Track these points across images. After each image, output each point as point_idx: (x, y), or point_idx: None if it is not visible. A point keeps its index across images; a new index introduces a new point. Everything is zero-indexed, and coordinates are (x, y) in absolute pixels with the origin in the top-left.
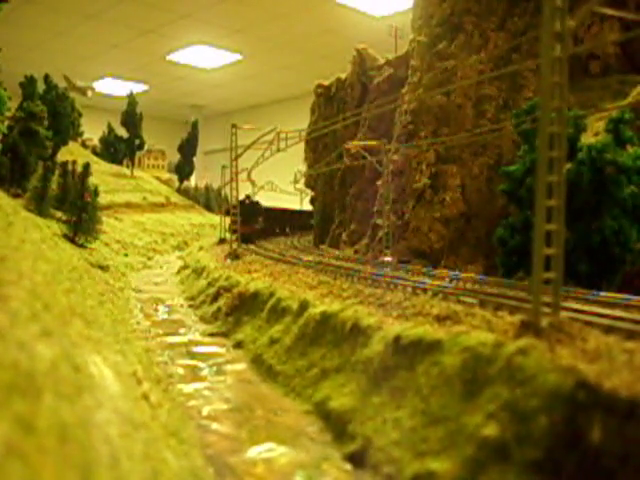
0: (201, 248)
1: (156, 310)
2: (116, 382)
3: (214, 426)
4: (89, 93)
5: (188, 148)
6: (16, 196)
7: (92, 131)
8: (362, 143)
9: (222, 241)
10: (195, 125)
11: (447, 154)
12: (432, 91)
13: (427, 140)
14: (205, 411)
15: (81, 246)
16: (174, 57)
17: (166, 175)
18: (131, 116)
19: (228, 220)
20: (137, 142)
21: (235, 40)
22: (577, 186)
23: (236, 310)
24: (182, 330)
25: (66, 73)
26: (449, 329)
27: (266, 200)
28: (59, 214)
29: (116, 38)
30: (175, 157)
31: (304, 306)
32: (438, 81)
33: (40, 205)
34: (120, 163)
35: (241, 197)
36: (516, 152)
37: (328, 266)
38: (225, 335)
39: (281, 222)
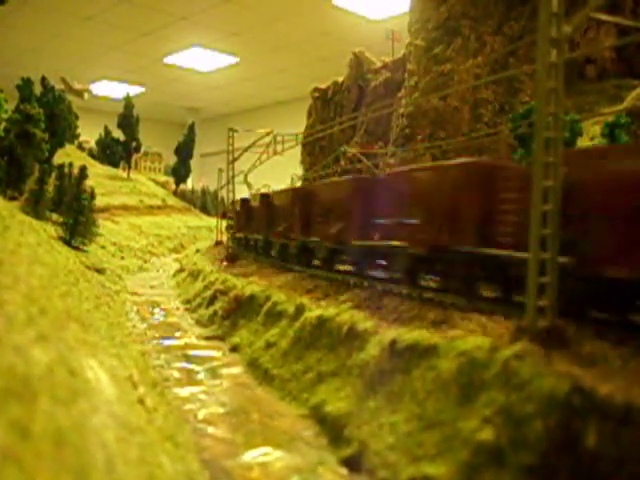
0: (197, 251)
1: (152, 313)
2: (112, 386)
3: (210, 430)
4: (85, 95)
5: (185, 151)
6: (12, 199)
7: (89, 133)
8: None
9: (218, 244)
10: (192, 128)
11: (443, 157)
12: (429, 95)
13: (424, 144)
14: (201, 415)
15: (77, 249)
16: (171, 60)
17: (163, 178)
18: (128, 118)
19: (224, 223)
20: (134, 144)
21: (232, 43)
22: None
23: (232, 313)
24: (178, 333)
25: (63, 75)
26: (445, 333)
27: None
28: (55, 216)
29: (113, 40)
30: (172, 160)
31: (300, 310)
32: (435, 85)
33: (36, 208)
34: (117, 165)
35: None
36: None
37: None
38: (221, 338)
39: None
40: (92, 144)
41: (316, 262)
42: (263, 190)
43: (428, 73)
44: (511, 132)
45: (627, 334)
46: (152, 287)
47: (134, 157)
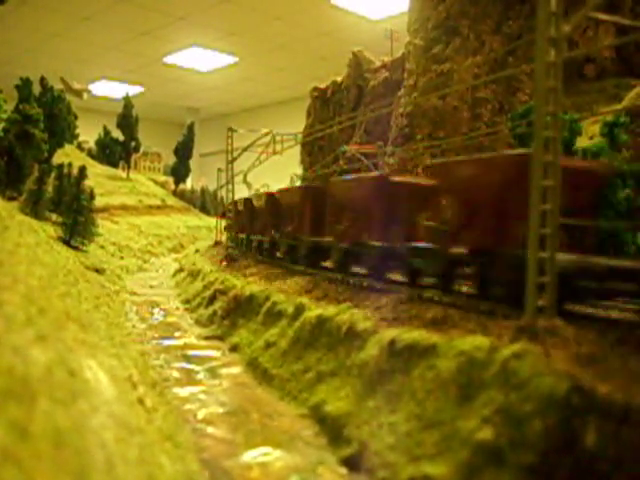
0: (197, 251)
1: (152, 313)
2: (111, 386)
3: (209, 430)
4: (85, 95)
5: (184, 150)
6: (12, 199)
7: (88, 133)
8: (357, 148)
9: (218, 244)
10: (191, 127)
11: (443, 157)
12: (428, 94)
13: (423, 143)
14: (200, 415)
15: (76, 249)
16: (170, 59)
17: (162, 177)
18: (127, 118)
19: (224, 222)
20: (133, 144)
21: (231, 42)
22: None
23: (232, 313)
24: (178, 333)
25: (62, 75)
26: (444, 333)
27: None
28: (55, 217)
29: (112, 40)
30: (171, 159)
31: (300, 310)
32: (434, 84)
33: (36, 208)
34: (116, 165)
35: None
36: None
37: (324, 269)
38: (221, 338)
39: None
40: (91, 144)
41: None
42: (263, 189)
43: (427, 72)
44: (510, 131)
45: (627, 333)
46: (152, 287)
47: (133, 157)
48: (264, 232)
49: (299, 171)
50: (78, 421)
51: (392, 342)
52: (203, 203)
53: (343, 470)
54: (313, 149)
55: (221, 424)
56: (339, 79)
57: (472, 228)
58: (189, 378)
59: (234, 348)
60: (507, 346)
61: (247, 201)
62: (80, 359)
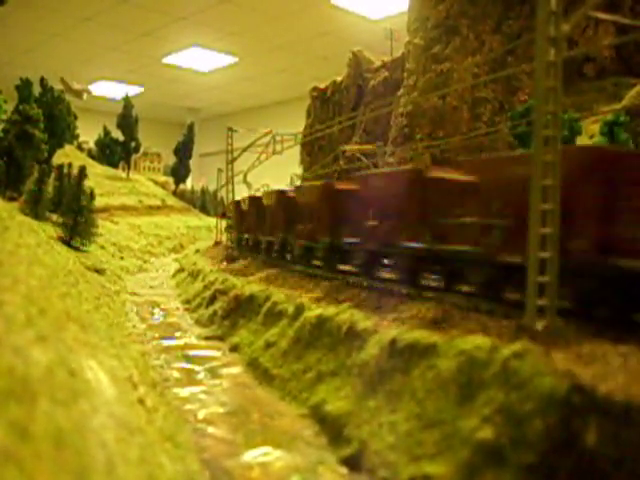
0: (197, 251)
1: (152, 313)
2: (112, 387)
3: (210, 430)
4: (84, 96)
5: (184, 151)
6: (12, 199)
7: (88, 134)
8: (357, 147)
9: (218, 244)
10: (191, 128)
11: (443, 156)
12: (428, 94)
13: (423, 143)
14: (201, 415)
15: (77, 249)
16: (170, 60)
17: (162, 178)
18: (127, 119)
19: (224, 223)
20: (133, 145)
21: (231, 43)
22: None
23: (232, 313)
24: (178, 333)
25: (62, 76)
26: (445, 333)
27: None
28: (55, 217)
29: (112, 41)
30: (171, 160)
31: (300, 310)
32: (433, 84)
33: (36, 208)
34: (116, 166)
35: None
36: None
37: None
38: (221, 339)
39: None
40: (91, 145)
41: None
42: (263, 189)
43: (427, 72)
44: (510, 131)
45: (627, 332)
46: (152, 287)
47: (133, 157)
48: (250, 232)
49: (299, 171)
50: (79, 421)
51: (392, 342)
52: (203, 203)
53: (343, 470)
54: (313, 149)
55: (221, 424)
56: (339, 79)
57: (383, 227)
58: (189, 378)
59: (234, 348)
60: (507, 345)
61: (237, 203)
62: (80, 359)
